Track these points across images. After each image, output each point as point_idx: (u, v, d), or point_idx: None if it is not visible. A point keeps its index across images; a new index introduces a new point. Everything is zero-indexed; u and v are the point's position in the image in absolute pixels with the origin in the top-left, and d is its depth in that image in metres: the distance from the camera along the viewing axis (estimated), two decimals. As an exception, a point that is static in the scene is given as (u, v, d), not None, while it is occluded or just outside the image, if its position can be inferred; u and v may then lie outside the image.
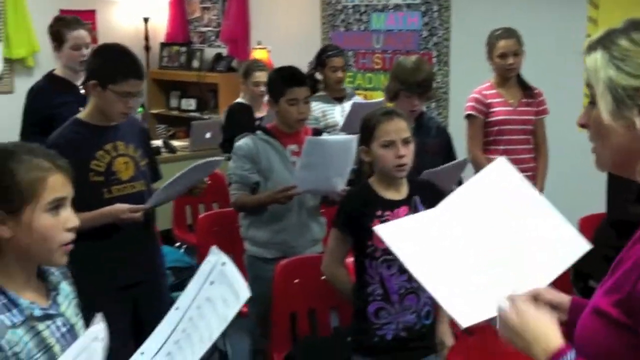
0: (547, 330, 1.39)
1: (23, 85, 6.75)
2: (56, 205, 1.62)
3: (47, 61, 6.88)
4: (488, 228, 1.66)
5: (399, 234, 1.68)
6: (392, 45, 6.18)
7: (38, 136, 3.80)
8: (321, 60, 4.76)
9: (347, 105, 4.53)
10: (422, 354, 2.68)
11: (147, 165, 3.05)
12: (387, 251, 2.52)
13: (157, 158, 3.20)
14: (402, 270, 2.50)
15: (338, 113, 4.60)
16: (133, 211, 2.84)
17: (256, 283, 3.30)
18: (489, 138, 4.15)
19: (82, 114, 2.96)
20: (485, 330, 3.42)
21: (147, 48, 7.52)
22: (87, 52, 4.04)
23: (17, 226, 1.59)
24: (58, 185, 1.63)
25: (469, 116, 4.16)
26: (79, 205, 2.81)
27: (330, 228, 3.42)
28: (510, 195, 1.71)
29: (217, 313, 1.64)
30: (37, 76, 6.80)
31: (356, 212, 2.62)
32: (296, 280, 3.09)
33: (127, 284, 2.96)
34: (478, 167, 4.11)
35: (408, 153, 2.60)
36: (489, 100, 4.12)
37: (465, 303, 1.53)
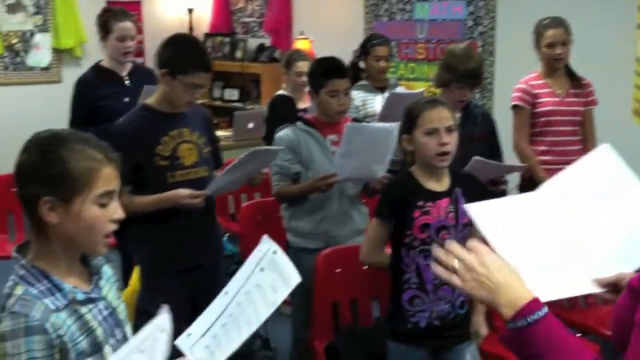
0: (512, 282, 1.30)
1: (71, 75, 6.88)
2: (105, 198, 1.63)
3: (95, 51, 6.98)
4: (582, 214, 1.68)
5: (488, 213, 1.69)
6: (436, 35, 6.13)
7: (86, 126, 3.88)
8: (365, 48, 4.73)
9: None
10: (455, 342, 2.70)
11: (210, 152, 3.12)
12: (425, 241, 2.56)
13: (219, 146, 3.26)
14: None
15: (378, 103, 4.56)
16: (193, 197, 2.90)
17: (299, 273, 3.31)
18: (536, 129, 4.08)
19: (150, 100, 3.05)
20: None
21: (192, 38, 7.57)
22: (131, 44, 4.09)
23: (65, 214, 1.60)
24: (109, 177, 1.64)
25: (515, 107, 4.10)
26: (143, 187, 2.93)
27: (372, 218, 3.45)
28: (610, 183, 1.73)
29: (265, 299, 1.67)
30: (85, 66, 6.92)
31: (399, 201, 2.62)
32: (338, 270, 3.09)
33: (188, 267, 3.04)
34: (524, 160, 4.06)
35: (451, 141, 2.59)
36: (536, 91, 4.05)
37: (545, 280, 1.54)
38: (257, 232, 3.68)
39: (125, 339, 1.74)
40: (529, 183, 3.94)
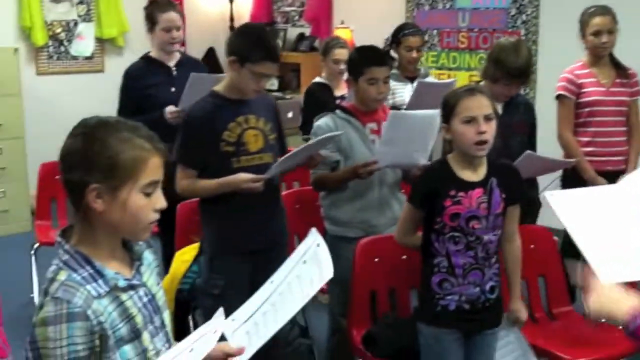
0: (618, 297, 1.67)
1: (113, 64, 6.99)
2: (150, 187, 1.64)
3: (137, 41, 7.07)
4: None
5: (567, 200, 1.86)
6: (478, 23, 6.06)
7: (133, 116, 3.92)
8: (396, 38, 4.68)
9: (418, 86, 4.46)
10: (486, 326, 2.71)
11: (275, 139, 3.15)
12: (455, 229, 2.58)
13: (284, 133, 3.30)
14: (469, 247, 2.59)
15: (407, 92, 4.51)
16: (254, 181, 2.94)
17: (337, 263, 3.31)
18: (580, 120, 4.02)
19: (219, 86, 3.10)
20: (568, 316, 3.36)
21: (232, 28, 7.59)
22: (177, 34, 4.11)
23: (111, 202, 1.60)
24: (156, 167, 1.64)
25: (559, 97, 4.04)
26: (208, 172, 2.99)
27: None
28: None
29: (302, 290, 1.67)
30: (127, 56, 7.03)
31: (431, 189, 2.63)
32: (376, 259, 3.08)
33: (251, 250, 3.09)
34: (568, 150, 4.00)
35: (489, 130, 2.56)
36: (581, 81, 3.98)
37: (611, 264, 1.72)
38: (296, 221, 3.73)
39: (163, 325, 1.75)
40: (572, 174, 3.88)
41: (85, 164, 1.59)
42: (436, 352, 2.67)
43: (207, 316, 2.97)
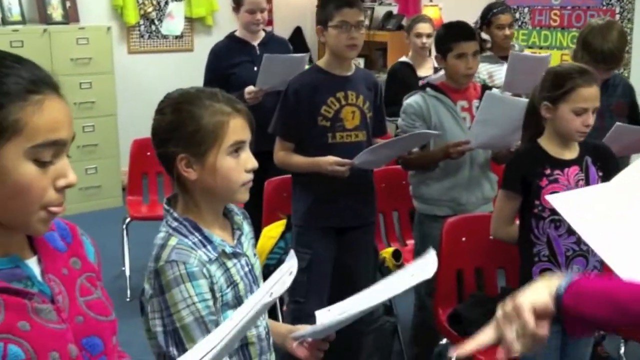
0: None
1: (202, 43, 7.10)
2: (236, 148, 1.67)
3: (225, 20, 7.17)
4: None
5: (570, 202, 1.78)
6: (571, 1, 5.87)
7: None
8: (487, 18, 4.60)
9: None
10: None
11: (372, 118, 3.14)
12: (554, 211, 2.46)
13: (384, 113, 3.28)
14: (571, 231, 2.47)
15: (505, 73, 4.44)
16: (339, 164, 2.94)
17: (425, 241, 3.31)
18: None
19: (320, 61, 3.13)
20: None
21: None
22: (261, 16, 4.14)
23: (202, 169, 1.65)
24: (238, 128, 1.67)
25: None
26: (304, 145, 3.04)
27: (497, 186, 3.36)
28: None
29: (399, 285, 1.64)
30: (216, 35, 7.13)
31: (524, 170, 2.56)
32: (464, 239, 3.04)
33: (338, 227, 3.11)
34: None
35: (593, 121, 2.52)
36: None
37: (628, 260, 1.60)
38: (382, 200, 3.71)
39: None
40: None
41: (171, 136, 1.66)
42: None
43: (292, 289, 3.02)
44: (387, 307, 3.69)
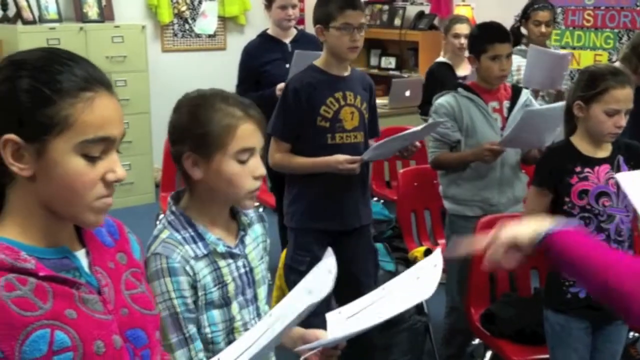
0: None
1: (235, 42, 7.15)
2: (244, 154, 1.68)
3: (258, 19, 7.21)
4: None
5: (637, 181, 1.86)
6: (605, 1, 5.82)
7: (250, 92, 4.02)
8: (526, 13, 4.59)
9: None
10: (616, 316, 2.55)
11: (368, 119, 3.12)
12: (584, 208, 2.52)
13: (377, 115, 3.26)
14: (600, 228, 2.51)
15: None
16: (350, 162, 2.93)
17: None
18: None
19: (318, 61, 3.10)
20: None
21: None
22: (293, 12, 4.17)
23: (207, 170, 1.67)
24: (247, 134, 1.68)
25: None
26: (303, 146, 3.01)
27: (528, 186, 3.35)
28: None
29: (402, 302, 1.58)
30: (248, 34, 7.17)
31: (555, 167, 2.57)
32: (497, 239, 3.04)
33: (336, 230, 3.08)
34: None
35: (625, 123, 2.51)
36: None
37: None
38: (414, 199, 3.73)
39: (255, 299, 1.78)
40: None
41: (182, 135, 1.70)
42: (563, 340, 2.60)
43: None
44: (418, 307, 3.69)
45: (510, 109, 3.27)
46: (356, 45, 2.95)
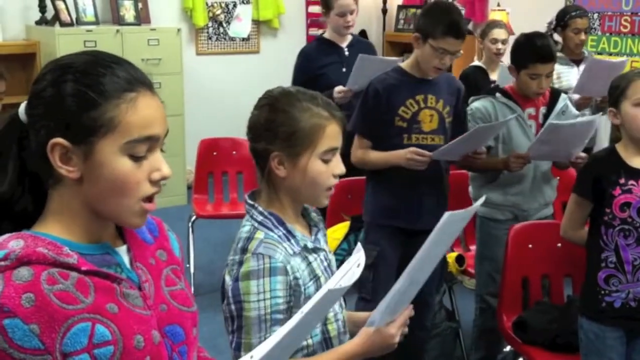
0: None
1: (268, 45, 7.19)
2: (330, 154, 1.71)
3: (292, 23, 7.25)
4: None
5: None
6: (643, 7, 5.75)
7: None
8: (563, 20, 4.54)
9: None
10: None
11: (452, 122, 3.11)
12: (625, 220, 2.49)
13: (466, 118, 3.23)
14: (639, 241, 2.47)
15: (574, 76, 4.38)
16: (419, 155, 2.92)
17: (486, 244, 3.30)
18: None
19: (404, 63, 3.14)
20: None
21: (385, 11, 7.61)
22: (351, 18, 4.18)
23: (292, 168, 1.70)
24: (333, 134, 1.71)
25: None
26: (380, 144, 3.05)
27: (557, 190, 3.37)
28: None
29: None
30: (282, 37, 7.22)
31: (598, 177, 2.54)
32: (530, 245, 3.02)
33: (407, 229, 3.09)
34: None
35: None
36: None
37: None
38: (450, 204, 3.68)
39: None
40: None
41: (269, 133, 1.71)
42: (597, 349, 2.57)
43: (359, 285, 3.02)
44: (449, 312, 3.68)
45: (547, 115, 3.24)
46: (443, 67, 2.99)
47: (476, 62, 4.97)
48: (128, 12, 6.23)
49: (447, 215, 1.52)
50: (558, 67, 4.37)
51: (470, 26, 6.97)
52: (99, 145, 1.18)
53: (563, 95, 3.35)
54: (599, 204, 2.54)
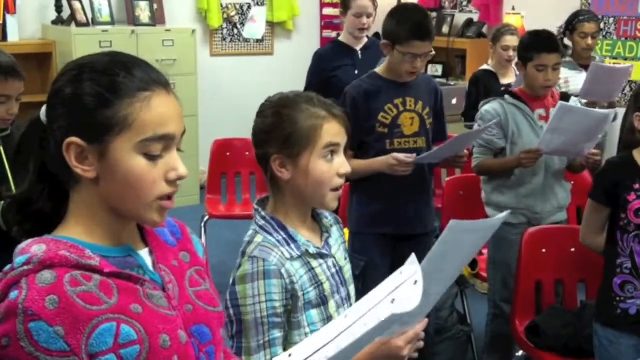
0: None
1: (282, 47, 7.20)
2: (330, 152, 1.72)
3: (306, 25, 7.26)
4: None
5: None
6: (659, 11, 5.73)
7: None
8: (572, 24, 4.54)
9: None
10: None
11: (433, 123, 3.11)
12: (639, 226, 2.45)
13: (445, 120, 3.24)
14: None
15: (582, 81, 4.36)
16: (403, 162, 2.90)
17: (499, 248, 3.29)
18: None
19: (379, 68, 3.12)
20: None
21: (399, 13, 7.58)
22: (367, 20, 4.19)
23: (295, 170, 1.72)
24: (332, 132, 1.73)
25: None
26: (362, 152, 3.02)
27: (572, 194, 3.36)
28: None
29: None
30: (296, 39, 7.23)
31: (613, 183, 2.53)
32: (544, 250, 3.02)
33: (394, 235, 3.07)
34: None
35: None
36: None
37: None
38: (460, 207, 3.70)
39: (349, 298, 1.83)
40: None
41: (268, 137, 1.73)
42: (611, 355, 2.56)
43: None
44: (462, 316, 3.68)
45: None
46: (415, 71, 2.97)
47: (486, 66, 4.96)
48: (143, 12, 6.25)
49: (452, 223, 1.29)
50: (566, 72, 4.37)
51: (484, 30, 6.97)
52: (113, 144, 1.19)
53: (573, 98, 3.38)
54: (615, 210, 2.53)
